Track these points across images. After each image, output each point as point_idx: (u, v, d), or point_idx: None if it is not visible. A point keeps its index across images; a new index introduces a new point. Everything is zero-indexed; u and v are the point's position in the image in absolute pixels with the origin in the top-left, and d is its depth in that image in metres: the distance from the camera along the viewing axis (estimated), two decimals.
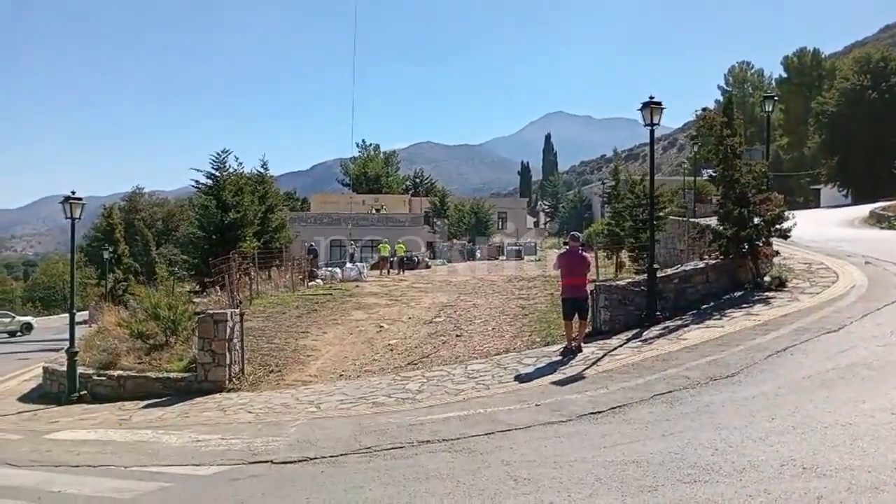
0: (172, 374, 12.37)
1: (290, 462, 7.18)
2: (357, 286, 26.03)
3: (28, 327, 42.36)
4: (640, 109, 12.40)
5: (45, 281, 67.27)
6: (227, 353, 12.17)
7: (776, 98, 21.90)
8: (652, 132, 12.45)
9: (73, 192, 12.74)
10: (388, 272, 33.88)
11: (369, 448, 7.36)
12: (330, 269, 31.32)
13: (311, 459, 7.19)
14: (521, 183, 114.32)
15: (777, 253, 14.06)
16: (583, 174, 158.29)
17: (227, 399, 11.37)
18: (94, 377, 12.70)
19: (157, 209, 77.12)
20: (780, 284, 12.95)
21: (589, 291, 11.63)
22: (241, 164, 22.71)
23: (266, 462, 7.27)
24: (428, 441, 7.35)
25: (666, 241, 24.03)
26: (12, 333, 40.80)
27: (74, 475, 7.41)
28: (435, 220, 61.57)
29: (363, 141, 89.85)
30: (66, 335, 18.14)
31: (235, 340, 12.51)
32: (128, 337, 14.14)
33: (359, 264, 32.86)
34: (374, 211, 59.85)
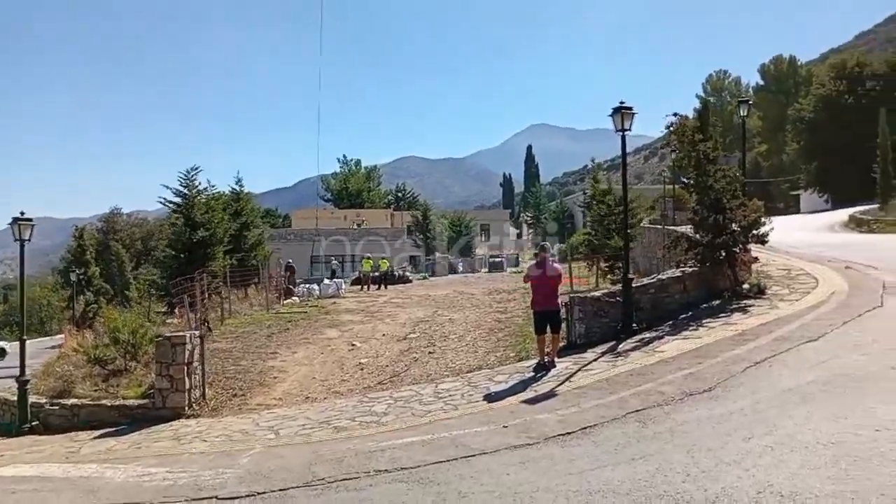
0: (129, 402, 11.77)
1: (237, 497, 6.63)
2: (334, 303, 25.55)
3: (1, 352, 41.27)
4: (611, 115, 12.06)
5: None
6: (187, 378, 11.59)
7: (750, 102, 21.75)
8: (623, 138, 12.10)
9: (23, 213, 12.15)
10: (369, 288, 33.39)
11: (322, 479, 6.83)
12: (307, 286, 30.78)
13: (258, 494, 6.65)
14: (503, 195, 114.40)
15: (756, 259, 13.74)
16: (566, 185, 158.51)
17: (184, 426, 10.79)
18: (47, 406, 12.06)
19: (135, 229, 76.12)
20: (759, 292, 12.61)
21: (561, 304, 11.20)
22: (212, 184, 22.20)
23: (210, 499, 6.72)
24: (385, 471, 6.84)
25: (644, 249, 23.72)
26: None
27: None
28: (417, 233, 61.17)
29: (344, 156, 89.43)
30: (40, 360, 17.52)
31: (195, 364, 11.94)
32: (85, 363, 13.52)
33: (337, 280, 32.30)
34: (354, 226, 59.36)
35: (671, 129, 13.23)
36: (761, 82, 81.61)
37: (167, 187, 21.09)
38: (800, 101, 63.06)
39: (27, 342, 13.12)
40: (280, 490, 6.68)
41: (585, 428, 7.27)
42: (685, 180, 14.31)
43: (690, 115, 23.35)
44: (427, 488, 6.07)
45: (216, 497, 6.73)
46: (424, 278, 42.57)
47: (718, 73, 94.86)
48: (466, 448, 7.22)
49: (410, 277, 40.57)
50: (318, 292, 29.25)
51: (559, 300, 11.01)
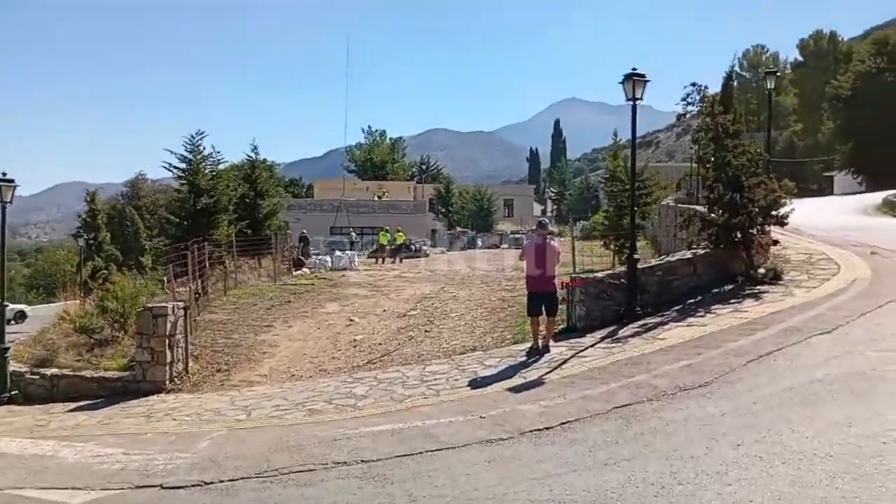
0: (109, 374, 11.41)
1: (181, 487, 6.17)
2: (343, 275, 25.08)
3: (21, 315, 41.59)
4: (622, 83, 11.24)
5: (46, 268, 66.70)
6: (168, 351, 11.17)
7: (777, 74, 20.57)
8: (634, 107, 11.28)
9: (5, 174, 11.73)
10: (384, 261, 32.92)
11: (276, 470, 6.33)
12: (320, 257, 30.37)
13: (205, 484, 6.18)
14: (529, 170, 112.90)
15: (775, 242, 12.88)
16: (595, 161, 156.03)
17: (161, 402, 10.38)
18: (28, 375, 11.75)
19: (159, 195, 76.26)
20: (774, 277, 11.78)
21: (558, 285, 10.52)
22: (217, 150, 21.69)
23: (155, 487, 6.26)
24: (343, 463, 6.31)
25: (667, 229, 22.82)
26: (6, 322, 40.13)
27: None
28: (439, 207, 60.50)
29: (368, 127, 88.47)
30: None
31: (178, 336, 11.52)
32: (72, 331, 13.19)
33: (348, 252, 31.84)
34: (375, 198, 58.78)
35: (687, 100, 12.36)
36: (800, 58, 78.79)
37: (171, 152, 20.65)
38: (837, 78, 60.60)
39: (54, 305, 12.79)
40: (229, 480, 6.21)
41: (565, 423, 6.66)
42: (700, 155, 13.45)
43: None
44: (378, 487, 5.54)
45: (161, 486, 6.27)
46: (442, 252, 41.98)
47: (756, 49, 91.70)
48: (435, 441, 6.66)
49: (427, 251, 39.97)
50: (330, 264, 28.85)
51: (556, 281, 10.34)
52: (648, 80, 11.23)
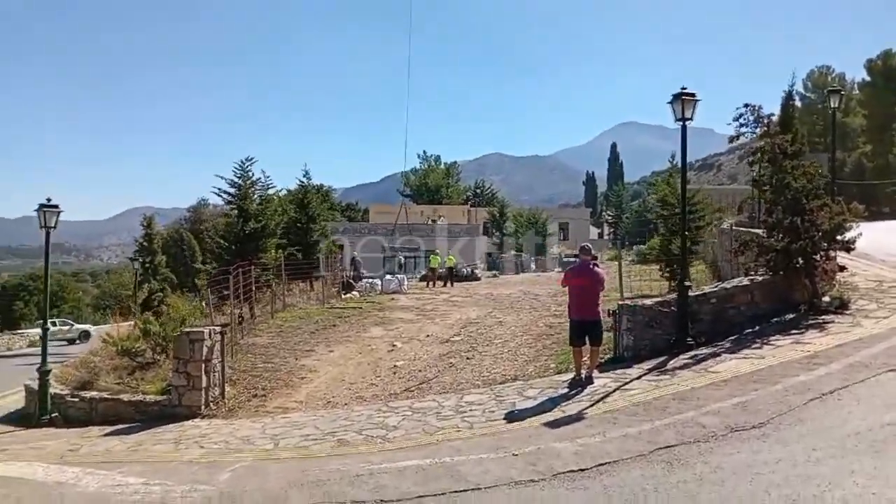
0: (146, 398, 11.34)
1: None
2: (392, 299, 24.87)
3: (86, 335, 42.87)
4: (671, 102, 10.71)
5: (113, 289, 68.89)
6: (204, 376, 11.05)
7: (843, 93, 19.55)
8: (684, 127, 10.72)
9: (49, 200, 11.90)
10: (435, 284, 32.65)
11: None
12: (371, 280, 30.32)
13: None
14: (585, 193, 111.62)
15: (842, 269, 12.03)
16: (653, 184, 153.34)
17: (194, 428, 10.22)
18: (68, 398, 11.80)
19: (220, 220, 78.13)
20: (840, 306, 10.94)
21: (602, 313, 9.96)
22: (266, 175, 21.89)
23: None
24: (361, 502, 5.94)
25: (725, 253, 21.87)
26: (71, 341, 41.34)
27: None
28: (493, 230, 60.12)
29: (424, 152, 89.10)
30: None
31: (215, 361, 11.39)
32: (115, 354, 13.25)
33: (399, 276, 31.66)
34: (430, 221, 58.78)
35: (740, 120, 11.72)
36: (867, 78, 75.76)
37: (222, 178, 20.89)
38: None
39: (104, 327, 12.92)
40: None
41: (602, 465, 6.13)
42: (756, 178, 12.72)
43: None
44: None
45: None
46: (494, 276, 41.49)
47: (821, 69, 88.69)
48: (461, 480, 6.22)
49: (479, 275, 39.53)
50: (380, 287, 28.74)
51: (600, 308, 9.79)
52: (699, 100, 10.67)
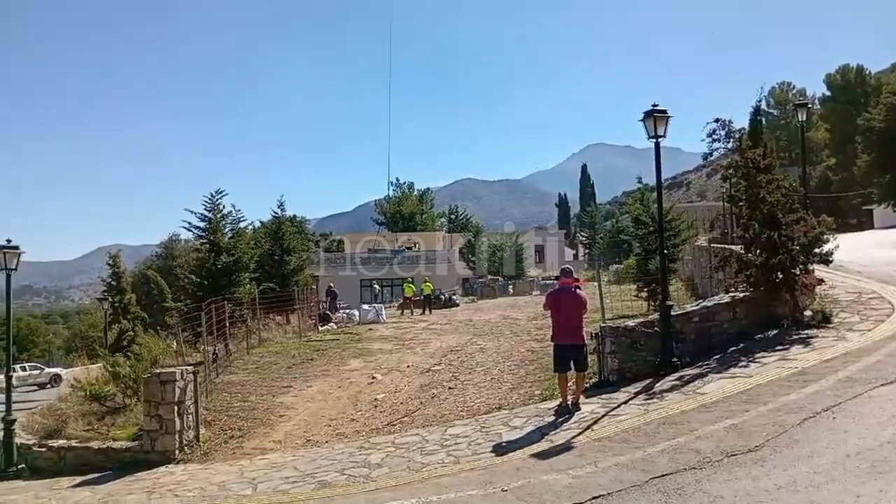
0: (117, 445, 10.84)
1: None
2: (370, 329, 24.51)
3: (57, 378, 41.54)
4: (642, 120, 10.66)
5: (84, 330, 67.40)
6: (177, 419, 10.61)
7: (809, 106, 19.83)
8: (657, 145, 10.67)
9: (9, 241, 11.48)
10: (413, 312, 32.32)
11: None
12: (348, 311, 29.93)
13: None
14: (558, 215, 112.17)
15: (820, 282, 11.98)
16: (624, 204, 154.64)
17: (168, 475, 9.78)
18: (35, 448, 11.26)
19: (192, 255, 77.13)
20: (823, 319, 10.88)
21: (586, 336, 9.75)
22: (237, 208, 21.54)
23: None
24: None
25: (702, 270, 21.89)
26: (42, 385, 40.02)
27: None
28: (469, 256, 60.06)
29: (397, 179, 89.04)
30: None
31: (188, 402, 10.96)
32: (83, 399, 12.73)
33: (377, 306, 31.28)
34: (405, 249, 58.52)
35: (713, 136, 11.69)
36: (828, 93, 77.56)
37: (192, 212, 20.50)
38: (869, 111, 59.24)
39: (93, 367, 12.45)
40: None
41: (596, 498, 5.88)
42: (731, 193, 12.70)
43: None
44: None
45: None
46: (472, 301, 41.27)
47: (782, 86, 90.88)
48: None
49: (458, 301, 39.27)
50: (357, 318, 28.34)
51: (584, 332, 9.59)
52: (670, 116, 10.64)
